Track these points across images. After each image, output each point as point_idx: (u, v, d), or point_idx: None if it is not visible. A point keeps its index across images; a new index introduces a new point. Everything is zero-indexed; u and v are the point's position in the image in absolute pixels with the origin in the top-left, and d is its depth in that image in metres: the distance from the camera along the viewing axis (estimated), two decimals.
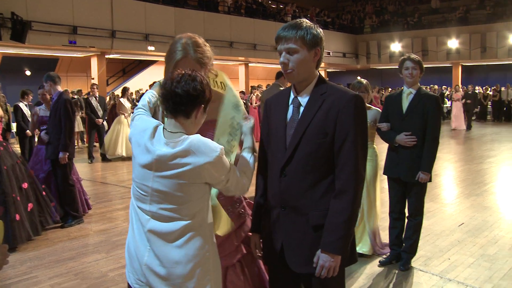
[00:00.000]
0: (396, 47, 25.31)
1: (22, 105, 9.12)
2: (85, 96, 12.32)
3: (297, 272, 2.02)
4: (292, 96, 2.06)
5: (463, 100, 17.62)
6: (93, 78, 16.12)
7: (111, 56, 16.36)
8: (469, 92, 18.07)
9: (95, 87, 10.74)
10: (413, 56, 3.89)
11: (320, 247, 1.92)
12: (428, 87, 22.04)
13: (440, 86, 24.11)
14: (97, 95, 10.60)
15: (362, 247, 4.30)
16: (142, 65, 22.02)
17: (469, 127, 17.47)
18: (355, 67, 28.21)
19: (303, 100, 2.01)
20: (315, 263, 1.94)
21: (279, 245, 2.03)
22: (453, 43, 24.12)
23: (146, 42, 16.05)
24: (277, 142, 2.04)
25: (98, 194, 7.41)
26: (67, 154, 5.45)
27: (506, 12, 23.56)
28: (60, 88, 5.65)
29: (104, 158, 10.77)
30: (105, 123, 10.86)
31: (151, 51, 16.15)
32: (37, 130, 6.12)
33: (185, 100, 1.85)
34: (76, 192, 5.76)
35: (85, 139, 13.89)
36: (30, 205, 4.99)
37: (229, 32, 19.11)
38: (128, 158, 10.60)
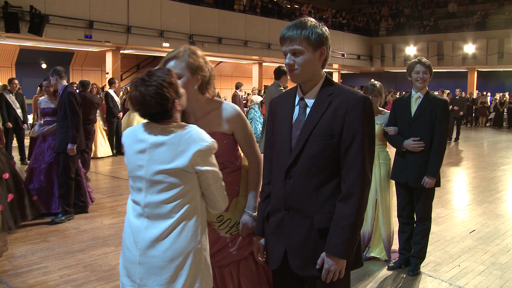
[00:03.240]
0: (411, 50, 25.10)
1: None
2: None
3: (300, 275, 2.00)
4: (298, 96, 2.02)
5: (450, 107, 15.05)
6: (107, 73, 16.23)
7: (125, 51, 16.45)
8: (457, 98, 15.72)
9: (116, 81, 10.87)
10: (424, 60, 3.84)
11: (324, 250, 1.90)
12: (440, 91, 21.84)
13: (454, 91, 23.88)
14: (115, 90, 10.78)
15: (378, 253, 4.27)
16: (156, 61, 21.96)
17: (456, 137, 15.16)
18: (369, 69, 28.06)
19: (310, 101, 1.97)
20: (319, 264, 1.92)
21: (283, 248, 2.00)
22: (469, 48, 23.86)
23: (161, 38, 16.12)
24: (283, 144, 2.00)
25: (110, 188, 7.47)
26: (75, 145, 5.46)
27: None
28: (65, 82, 5.68)
29: (119, 152, 10.86)
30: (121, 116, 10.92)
31: (165, 47, 16.21)
32: (41, 121, 6.17)
33: (162, 111, 1.89)
34: (73, 187, 5.62)
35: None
36: (10, 196, 4.88)
37: (244, 31, 19.12)
38: None
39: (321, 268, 1.92)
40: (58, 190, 5.63)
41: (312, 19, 1.94)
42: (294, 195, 1.95)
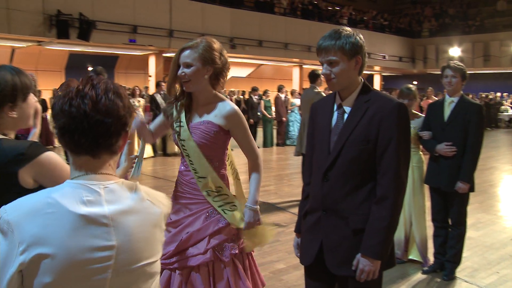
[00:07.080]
0: (455, 51, 24.38)
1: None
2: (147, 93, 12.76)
3: (333, 274, 2.09)
4: (337, 102, 2.12)
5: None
6: (150, 76, 16.70)
7: (168, 54, 16.88)
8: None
9: (162, 83, 10.99)
10: (452, 64, 3.81)
11: (360, 251, 1.98)
12: (492, 93, 21.13)
13: (501, 93, 23.05)
14: (162, 92, 10.72)
15: (416, 255, 4.27)
16: None
17: None
18: (411, 71, 27.47)
19: (347, 107, 2.06)
20: (354, 266, 2.00)
21: (318, 246, 2.10)
22: None
23: None
24: (321, 147, 2.10)
25: (154, 189, 7.70)
26: None
27: None
28: None
29: (165, 154, 11.17)
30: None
31: None
32: None
33: (114, 128, 1.16)
34: None
35: None
36: None
37: (284, 33, 19.19)
38: None
39: (357, 269, 2.00)
40: None
41: (348, 28, 2.03)
42: (331, 197, 2.05)
